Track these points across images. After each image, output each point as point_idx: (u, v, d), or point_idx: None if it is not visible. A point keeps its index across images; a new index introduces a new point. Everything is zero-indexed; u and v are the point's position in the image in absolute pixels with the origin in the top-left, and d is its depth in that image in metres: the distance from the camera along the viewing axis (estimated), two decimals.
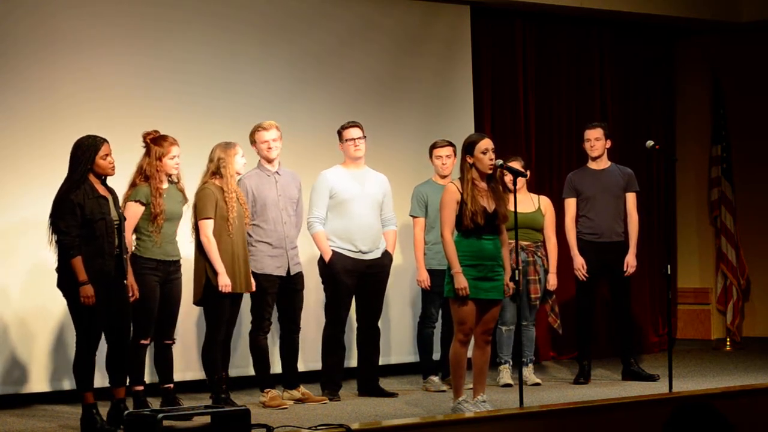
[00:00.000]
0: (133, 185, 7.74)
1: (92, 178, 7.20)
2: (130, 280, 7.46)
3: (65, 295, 7.21)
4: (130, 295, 7.44)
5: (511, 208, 7.50)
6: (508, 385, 9.12)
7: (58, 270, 7.19)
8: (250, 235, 8.26)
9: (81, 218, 7.08)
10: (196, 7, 9.28)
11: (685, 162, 11.90)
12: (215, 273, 7.89)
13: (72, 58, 8.72)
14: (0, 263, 8.42)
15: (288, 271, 8.37)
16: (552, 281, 9.31)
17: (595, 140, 9.40)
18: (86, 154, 7.18)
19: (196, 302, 8.09)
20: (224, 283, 7.88)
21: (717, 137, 11.94)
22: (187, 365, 8.87)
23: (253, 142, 8.41)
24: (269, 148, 8.34)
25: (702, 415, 3.83)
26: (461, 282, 7.28)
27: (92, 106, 8.69)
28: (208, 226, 7.93)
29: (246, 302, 8.42)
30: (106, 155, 7.22)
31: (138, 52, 8.98)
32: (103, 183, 7.29)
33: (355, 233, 8.59)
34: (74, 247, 7.07)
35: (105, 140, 7.26)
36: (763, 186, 11.88)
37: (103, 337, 7.29)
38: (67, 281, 7.14)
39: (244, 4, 9.51)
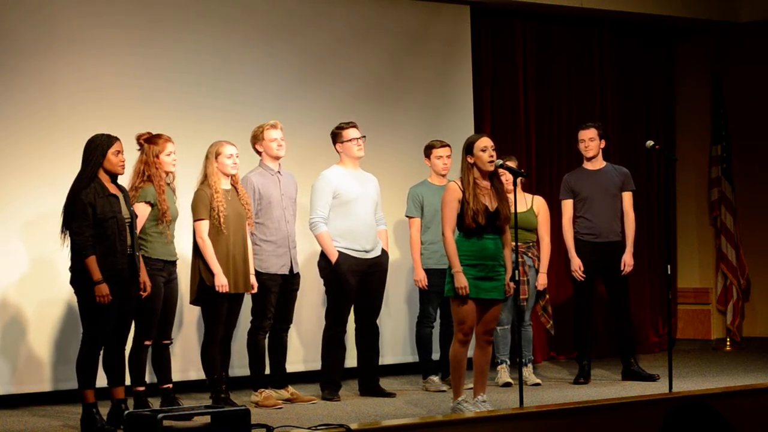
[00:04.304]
0: (134, 188, 7.72)
1: (103, 176, 7.22)
2: (143, 276, 7.48)
3: (76, 293, 7.23)
4: (143, 290, 7.46)
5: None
6: (508, 385, 9.12)
7: (72, 269, 7.22)
8: (254, 234, 8.28)
9: (92, 218, 7.11)
10: (196, 8, 9.29)
11: (685, 162, 11.91)
12: (211, 273, 7.92)
13: (72, 58, 8.72)
14: (0, 262, 8.43)
15: (291, 270, 8.40)
16: (542, 281, 9.32)
17: (590, 140, 9.41)
18: (98, 150, 7.22)
19: (192, 302, 8.11)
20: (220, 283, 7.90)
21: (717, 137, 11.94)
22: (187, 365, 8.88)
23: (258, 141, 8.41)
24: (279, 145, 8.38)
25: (699, 416, 3.82)
26: (461, 281, 7.28)
27: (92, 106, 8.70)
28: (202, 228, 7.96)
29: (246, 301, 8.42)
30: (118, 152, 7.25)
31: (138, 52, 8.98)
32: (114, 181, 7.30)
33: (360, 233, 8.60)
34: (87, 247, 7.09)
35: (118, 138, 7.30)
36: (763, 186, 11.88)
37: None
38: (80, 280, 7.16)
39: (244, 4, 9.51)
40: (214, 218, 7.96)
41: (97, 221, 7.13)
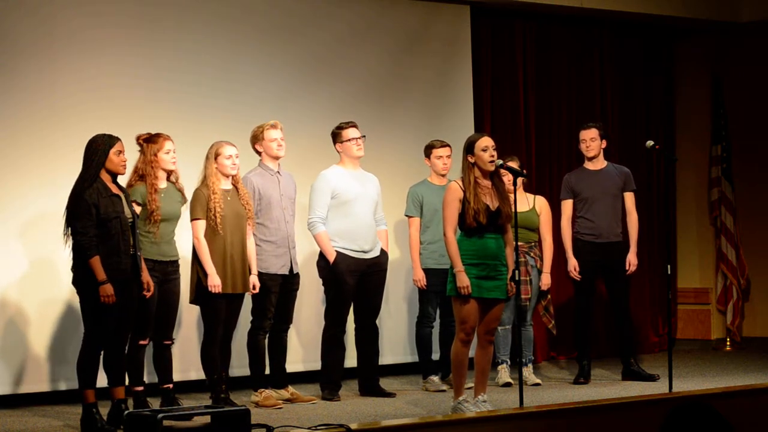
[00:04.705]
0: (127, 185, 7.73)
1: (104, 176, 7.23)
2: (146, 276, 7.48)
3: (79, 293, 7.23)
4: (146, 290, 7.46)
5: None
6: (508, 384, 9.12)
7: (74, 269, 7.21)
8: (254, 235, 8.27)
9: (96, 218, 7.11)
10: (195, 8, 9.29)
11: (685, 162, 11.91)
12: (206, 274, 7.92)
13: (72, 58, 8.72)
14: (0, 262, 8.43)
15: (290, 270, 8.40)
16: (545, 281, 9.32)
17: (591, 140, 9.41)
18: (100, 150, 7.22)
19: (191, 301, 8.12)
20: (213, 283, 7.90)
21: (717, 137, 11.94)
22: (187, 365, 8.88)
23: (258, 141, 8.41)
24: (279, 145, 8.38)
25: (699, 416, 3.82)
26: (463, 280, 7.28)
27: (92, 106, 8.70)
28: (197, 228, 7.96)
29: (246, 301, 8.42)
30: (120, 152, 7.26)
31: (138, 52, 8.98)
32: (114, 181, 7.31)
33: (359, 233, 8.60)
34: (92, 247, 7.09)
35: (119, 138, 7.31)
36: (763, 186, 11.88)
37: None
38: (83, 280, 7.15)
39: (244, 4, 9.51)
40: (210, 218, 7.95)
41: (101, 221, 7.13)
